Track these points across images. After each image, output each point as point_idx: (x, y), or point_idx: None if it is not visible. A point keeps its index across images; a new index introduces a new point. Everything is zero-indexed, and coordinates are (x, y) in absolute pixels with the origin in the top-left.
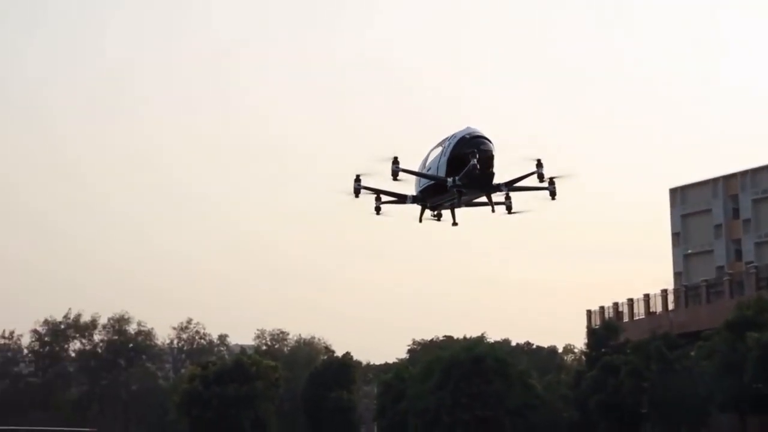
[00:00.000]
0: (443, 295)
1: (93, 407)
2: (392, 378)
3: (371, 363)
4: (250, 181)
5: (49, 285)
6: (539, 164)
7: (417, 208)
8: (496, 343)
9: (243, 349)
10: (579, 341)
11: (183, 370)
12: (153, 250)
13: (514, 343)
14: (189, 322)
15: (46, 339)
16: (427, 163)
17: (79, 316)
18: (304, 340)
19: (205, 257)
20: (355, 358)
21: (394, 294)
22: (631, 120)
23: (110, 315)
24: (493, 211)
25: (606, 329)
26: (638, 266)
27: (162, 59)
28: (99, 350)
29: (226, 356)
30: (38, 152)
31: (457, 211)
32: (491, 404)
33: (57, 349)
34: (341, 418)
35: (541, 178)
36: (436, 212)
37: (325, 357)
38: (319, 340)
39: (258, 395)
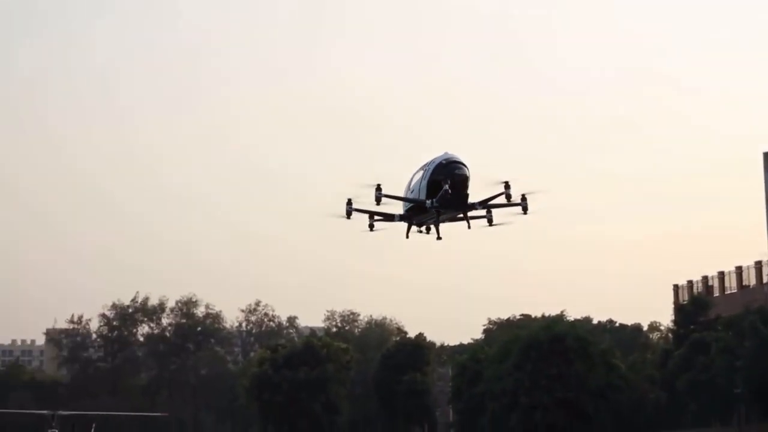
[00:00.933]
0: (519, 272)
1: (162, 392)
2: (468, 359)
3: (445, 344)
4: (328, 155)
5: (117, 268)
6: (507, 186)
7: (405, 225)
8: (577, 321)
9: (313, 331)
10: (665, 318)
11: (252, 354)
12: (220, 231)
13: (595, 321)
14: (257, 304)
15: (114, 323)
16: (411, 185)
17: (146, 299)
18: (376, 321)
19: (272, 237)
20: (428, 339)
21: (467, 272)
22: (723, 80)
23: (178, 298)
24: (469, 227)
25: (695, 304)
26: (729, 237)
27: (238, 34)
28: (167, 334)
29: (296, 339)
30: (107, 136)
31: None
32: (572, 385)
33: (125, 333)
34: (415, 402)
35: (508, 198)
36: (421, 228)
37: (398, 338)
38: (390, 320)
39: (329, 378)
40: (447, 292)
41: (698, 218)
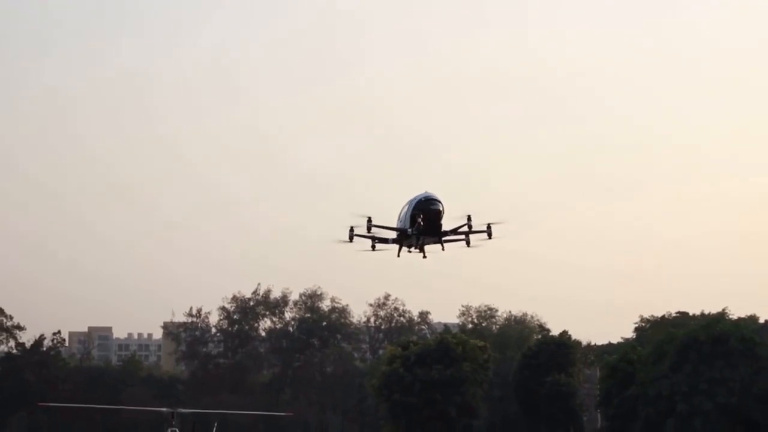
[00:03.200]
0: (675, 265)
1: (286, 391)
2: (618, 360)
3: (592, 343)
4: (468, 128)
5: (237, 259)
6: (469, 218)
7: (396, 246)
8: (741, 319)
9: (446, 327)
10: None
11: (381, 351)
12: (343, 217)
13: (762, 320)
14: (386, 297)
15: (234, 317)
16: (401, 216)
17: (268, 292)
18: (515, 317)
19: None
20: (573, 337)
21: (617, 265)
22: None
23: (301, 290)
24: (443, 249)
25: None
26: None
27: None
28: (290, 329)
29: (428, 335)
30: (221, 125)
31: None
32: (736, 391)
33: (246, 327)
34: (559, 405)
35: (470, 228)
36: (410, 249)
37: (539, 336)
38: (531, 317)
39: (465, 379)
40: (593, 287)
41: None
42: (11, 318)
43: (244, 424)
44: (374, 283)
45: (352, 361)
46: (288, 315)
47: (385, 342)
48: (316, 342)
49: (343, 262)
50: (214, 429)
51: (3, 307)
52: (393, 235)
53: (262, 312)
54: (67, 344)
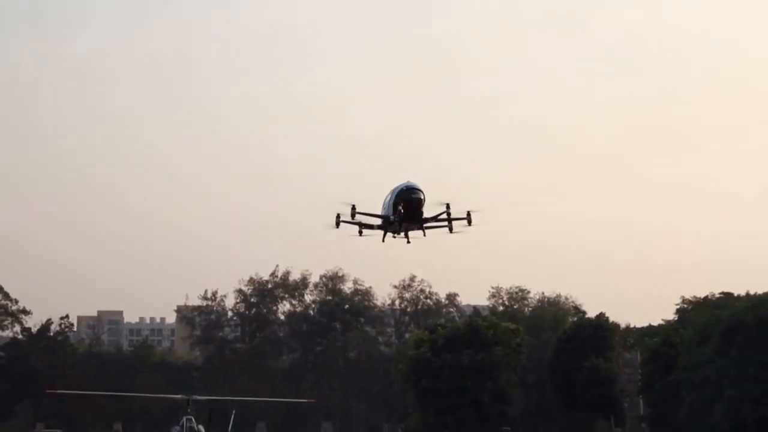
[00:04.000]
0: (719, 243)
1: (307, 377)
2: (659, 343)
3: (631, 325)
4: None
5: (254, 239)
6: (448, 206)
7: (381, 232)
8: None
9: (476, 309)
10: None
11: (408, 335)
12: (366, 196)
13: None
14: (412, 279)
15: (252, 300)
16: (385, 204)
17: (287, 273)
18: (549, 299)
19: None
20: (611, 319)
21: (657, 243)
22: None
23: (322, 272)
24: (424, 235)
25: None
26: None
27: None
28: (311, 312)
29: (457, 318)
30: (266, 95)
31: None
32: None
33: (264, 311)
34: (599, 391)
35: (449, 215)
36: (394, 235)
37: (575, 319)
38: (566, 298)
39: (497, 363)
40: (631, 266)
41: None
42: (17, 302)
43: (263, 412)
44: (398, 265)
45: (376, 346)
46: (308, 298)
47: (412, 325)
48: (338, 326)
49: (365, 242)
50: (231, 419)
51: (8, 291)
52: (378, 221)
53: (281, 295)
54: (75, 329)
